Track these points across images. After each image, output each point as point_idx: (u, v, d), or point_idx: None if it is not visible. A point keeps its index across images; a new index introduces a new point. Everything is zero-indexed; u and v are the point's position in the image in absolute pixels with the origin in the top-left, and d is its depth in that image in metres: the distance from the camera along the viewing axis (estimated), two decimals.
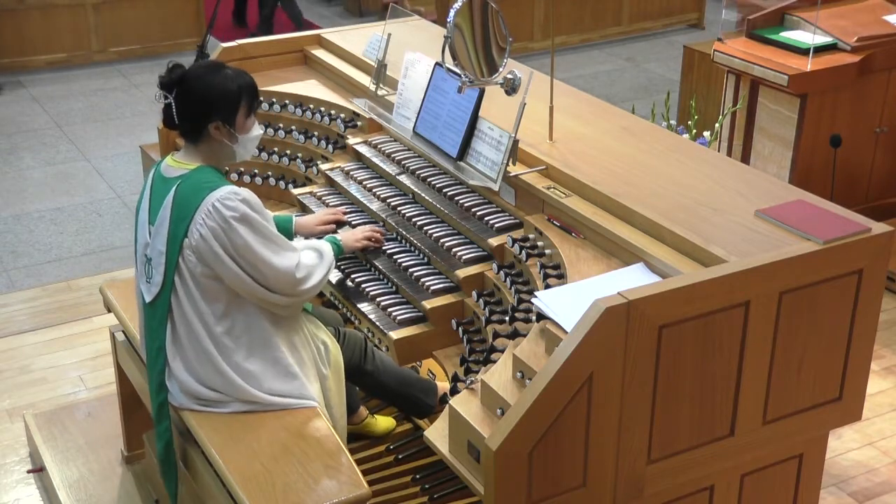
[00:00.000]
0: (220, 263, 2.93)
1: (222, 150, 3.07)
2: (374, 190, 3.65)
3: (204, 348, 3.00)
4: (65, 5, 8.78)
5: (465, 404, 2.62)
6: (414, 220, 3.42)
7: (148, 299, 3.07)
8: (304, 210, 3.75)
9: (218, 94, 3.01)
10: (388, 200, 3.56)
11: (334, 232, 3.47)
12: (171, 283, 2.99)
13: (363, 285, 3.32)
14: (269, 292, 2.99)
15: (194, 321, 2.99)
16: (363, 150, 3.82)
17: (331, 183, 3.84)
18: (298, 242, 3.26)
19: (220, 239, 2.91)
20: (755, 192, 2.99)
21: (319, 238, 3.34)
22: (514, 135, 3.17)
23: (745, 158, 5.38)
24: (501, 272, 3.06)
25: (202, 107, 3.00)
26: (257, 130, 3.14)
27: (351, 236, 3.38)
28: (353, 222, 3.56)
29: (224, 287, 2.98)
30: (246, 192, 2.96)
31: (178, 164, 3.05)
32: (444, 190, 3.43)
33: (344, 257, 3.43)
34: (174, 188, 2.98)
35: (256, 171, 4.11)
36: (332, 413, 3.18)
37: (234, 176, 4.10)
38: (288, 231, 3.41)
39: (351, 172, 3.79)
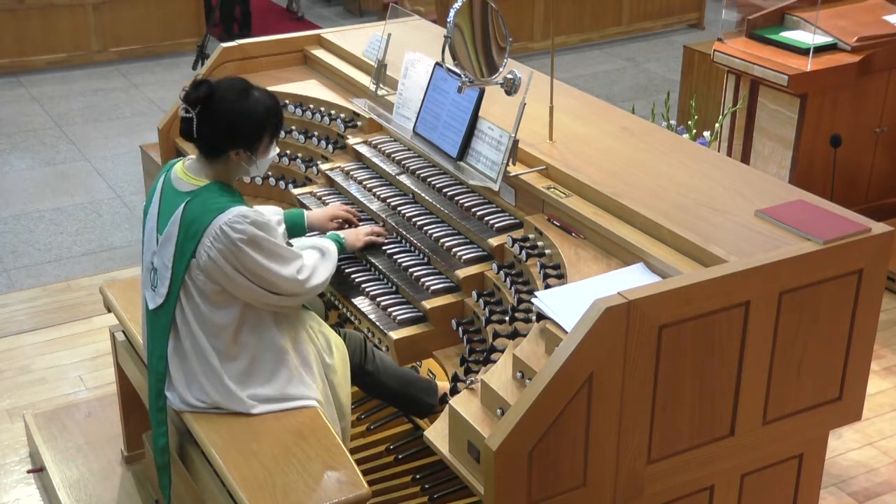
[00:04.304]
0: (229, 281, 2.95)
1: (237, 169, 3.05)
2: (374, 190, 3.65)
3: (209, 362, 3.01)
4: (65, 5, 8.78)
5: (465, 404, 2.62)
6: (414, 220, 3.42)
7: (151, 306, 3.08)
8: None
9: (244, 123, 2.96)
10: (388, 200, 3.56)
11: (341, 229, 3.49)
12: (177, 298, 3.00)
13: (363, 285, 3.33)
14: (277, 296, 3.03)
15: (200, 334, 3.00)
16: (363, 150, 3.83)
17: (331, 183, 3.84)
18: (303, 241, 3.29)
19: (229, 259, 2.92)
20: (755, 192, 2.99)
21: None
22: (514, 135, 3.17)
23: (745, 158, 5.38)
24: (501, 272, 3.06)
25: (226, 134, 2.96)
26: (273, 152, 3.12)
27: (353, 235, 3.41)
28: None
29: (234, 297, 3.00)
30: (254, 214, 2.94)
31: (189, 178, 3.01)
32: (444, 190, 3.43)
33: (344, 257, 3.43)
34: (183, 205, 2.96)
35: None
36: (341, 404, 3.20)
37: None
38: (300, 225, 3.47)
39: (351, 172, 3.79)
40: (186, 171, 3.03)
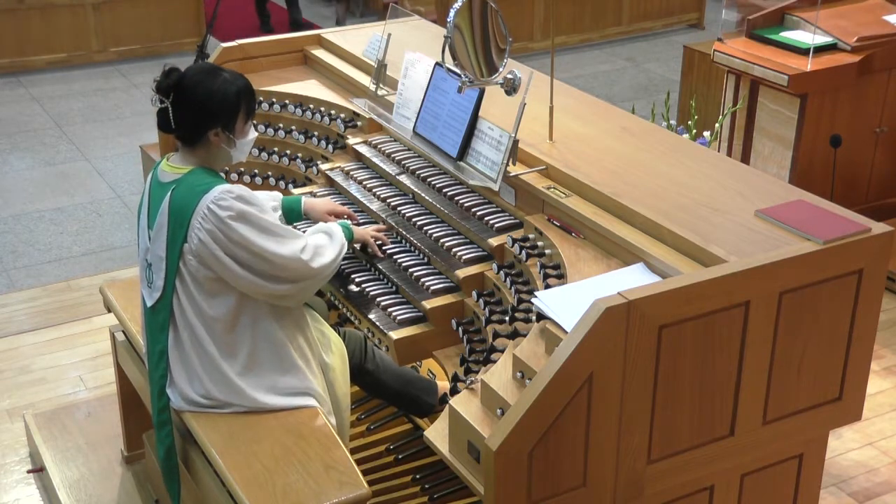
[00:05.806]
0: (221, 266, 2.93)
1: (219, 154, 3.06)
2: (374, 190, 3.65)
3: (207, 353, 3.00)
4: (65, 5, 8.78)
5: (465, 404, 2.62)
6: (414, 220, 3.42)
7: (149, 303, 3.07)
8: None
9: (218, 100, 2.98)
10: (388, 200, 3.56)
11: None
12: (173, 288, 2.99)
13: (363, 285, 3.32)
14: (276, 285, 2.98)
15: (197, 325, 2.99)
16: (363, 150, 3.83)
17: (331, 183, 3.84)
18: (309, 228, 3.27)
19: (219, 241, 2.90)
20: (755, 192, 2.99)
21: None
22: (514, 135, 3.17)
23: (745, 158, 5.38)
24: (501, 272, 3.06)
25: (201, 114, 2.98)
26: (253, 133, 3.13)
27: (361, 228, 3.40)
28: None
29: (230, 286, 2.98)
30: (239, 189, 2.95)
31: (172, 168, 3.04)
32: (444, 190, 3.43)
33: (344, 257, 3.43)
34: (169, 193, 2.97)
35: (256, 171, 4.11)
36: (338, 400, 3.20)
37: (233, 176, 4.10)
38: (297, 211, 3.44)
39: (351, 172, 3.79)
40: (170, 164, 3.06)
